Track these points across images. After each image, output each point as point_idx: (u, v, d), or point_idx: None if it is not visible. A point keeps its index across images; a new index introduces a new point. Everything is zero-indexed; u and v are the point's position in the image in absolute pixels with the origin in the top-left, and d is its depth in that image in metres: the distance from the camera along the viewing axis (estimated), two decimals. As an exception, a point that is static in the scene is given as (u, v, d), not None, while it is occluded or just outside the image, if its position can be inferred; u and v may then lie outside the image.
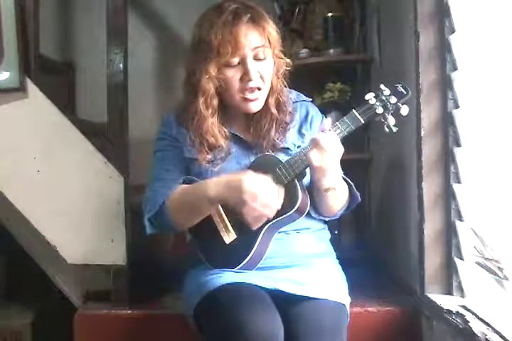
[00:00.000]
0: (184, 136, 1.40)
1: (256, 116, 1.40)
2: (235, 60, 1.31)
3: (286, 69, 1.40)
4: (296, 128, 1.43)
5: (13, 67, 1.75)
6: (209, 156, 1.36)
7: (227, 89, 1.34)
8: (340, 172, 1.35)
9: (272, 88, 1.38)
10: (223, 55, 1.29)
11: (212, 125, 1.36)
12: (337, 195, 1.33)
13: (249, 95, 1.34)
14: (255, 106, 1.37)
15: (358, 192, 1.40)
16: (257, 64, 1.33)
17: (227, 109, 1.41)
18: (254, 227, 1.29)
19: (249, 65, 1.31)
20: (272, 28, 1.34)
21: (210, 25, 1.30)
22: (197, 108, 1.35)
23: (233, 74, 1.32)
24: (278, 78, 1.39)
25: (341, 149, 1.27)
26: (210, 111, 1.35)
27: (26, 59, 1.78)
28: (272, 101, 1.39)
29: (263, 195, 1.23)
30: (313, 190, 1.35)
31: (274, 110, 1.39)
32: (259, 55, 1.32)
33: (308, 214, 1.37)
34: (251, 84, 1.32)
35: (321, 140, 1.23)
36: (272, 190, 1.26)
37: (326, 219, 1.44)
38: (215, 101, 1.36)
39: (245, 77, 1.32)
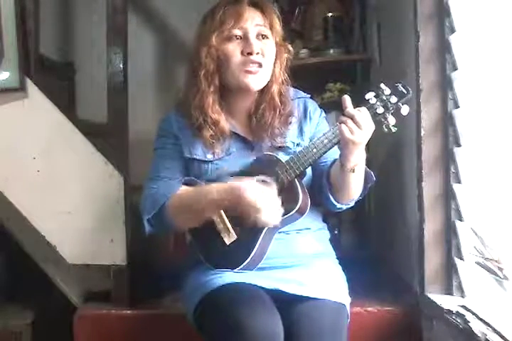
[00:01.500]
0: (185, 133, 1.40)
1: (259, 110, 1.39)
2: (237, 32, 1.33)
3: (287, 58, 1.41)
4: (296, 125, 1.43)
5: (13, 67, 1.75)
6: (213, 133, 1.36)
7: (227, 65, 1.34)
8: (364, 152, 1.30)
9: (274, 77, 1.39)
10: (226, 25, 1.32)
11: (214, 102, 1.36)
12: (359, 175, 1.30)
13: (249, 68, 1.33)
14: (255, 82, 1.35)
15: (371, 171, 1.37)
16: (259, 42, 1.34)
17: (229, 104, 1.40)
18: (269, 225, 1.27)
19: (251, 38, 1.33)
20: (274, 15, 1.38)
21: (214, 7, 1.35)
22: (200, 86, 1.36)
23: (234, 48, 1.34)
24: (281, 69, 1.40)
25: (373, 126, 1.24)
26: (211, 88, 1.36)
27: (26, 59, 1.78)
28: (275, 90, 1.39)
29: (265, 206, 1.22)
30: (334, 174, 1.33)
31: (277, 99, 1.39)
32: (262, 33, 1.35)
33: (309, 214, 1.36)
34: (252, 58, 1.33)
35: (355, 115, 1.21)
36: (274, 200, 1.24)
37: (344, 207, 1.41)
38: (216, 80, 1.36)
39: (246, 49, 1.33)
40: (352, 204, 1.41)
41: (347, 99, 1.24)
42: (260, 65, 1.34)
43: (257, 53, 1.33)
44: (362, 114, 1.22)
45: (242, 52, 1.33)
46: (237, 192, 1.24)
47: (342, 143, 1.24)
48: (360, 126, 1.21)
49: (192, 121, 1.38)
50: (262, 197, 1.23)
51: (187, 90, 1.40)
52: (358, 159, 1.26)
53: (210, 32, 1.34)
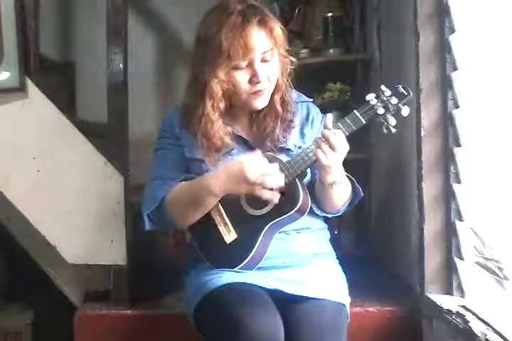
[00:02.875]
0: (186, 134, 1.40)
1: (260, 115, 1.40)
2: (244, 64, 1.31)
3: (291, 68, 1.40)
4: (298, 128, 1.43)
5: (13, 67, 1.75)
6: (215, 159, 1.36)
7: (235, 91, 1.34)
8: (342, 168, 1.33)
9: (277, 86, 1.38)
10: (233, 58, 1.28)
11: (219, 128, 1.35)
12: (340, 190, 1.33)
13: (256, 93, 1.34)
14: (261, 102, 1.36)
15: (360, 187, 1.40)
16: (264, 65, 1.32)
17: (232, 109, 1.40)
18: (275, 201, 1.27)
19: (257, 67, 1.31)
20: (278, 29, 1.34)
21: (219, 27, 1.29)
22: (204, 111, 1.34)
23: (241, 77, 1.32)
24: (283, 76, 1.39)
25: (347, 147, 1.26)
26: (217, 114, 1.35)
27: (26, 59, 1.78)
28: (277, 98, 1.39)
29: (265, 169, 1.24)
30: (316, 186, 1.35)
31: (279, 107, 1.39)
32: (266, 58, 1.32)
33: (309, 214, 1.37)
34: (259, 87, 1.33)
35: (330, 137, 1.23)
36: (266, 162, 1.26)
37: (329, 216, 1.43)
38: (222, 105, 1.35)
39: (254, 79, 1.32)
40: (340, 213, 1.43)
41: (329, 118, 1.26)
42: (266, 88, 1.35)
43: (264, 81, 1.33)
44: (336, 136, 1.24)
45: (249, 81, 1.32)
46: (235, 170, 1.25)
47: (318, 166, 1.27)
48: (334, 149, 1.23)
49: (198, 140, 1.36)
50: (257, 162, 1.25)
51: (191, 107, 1.37)
52: (335, 177, 1.29)
53: (217, 65, 1.29)
